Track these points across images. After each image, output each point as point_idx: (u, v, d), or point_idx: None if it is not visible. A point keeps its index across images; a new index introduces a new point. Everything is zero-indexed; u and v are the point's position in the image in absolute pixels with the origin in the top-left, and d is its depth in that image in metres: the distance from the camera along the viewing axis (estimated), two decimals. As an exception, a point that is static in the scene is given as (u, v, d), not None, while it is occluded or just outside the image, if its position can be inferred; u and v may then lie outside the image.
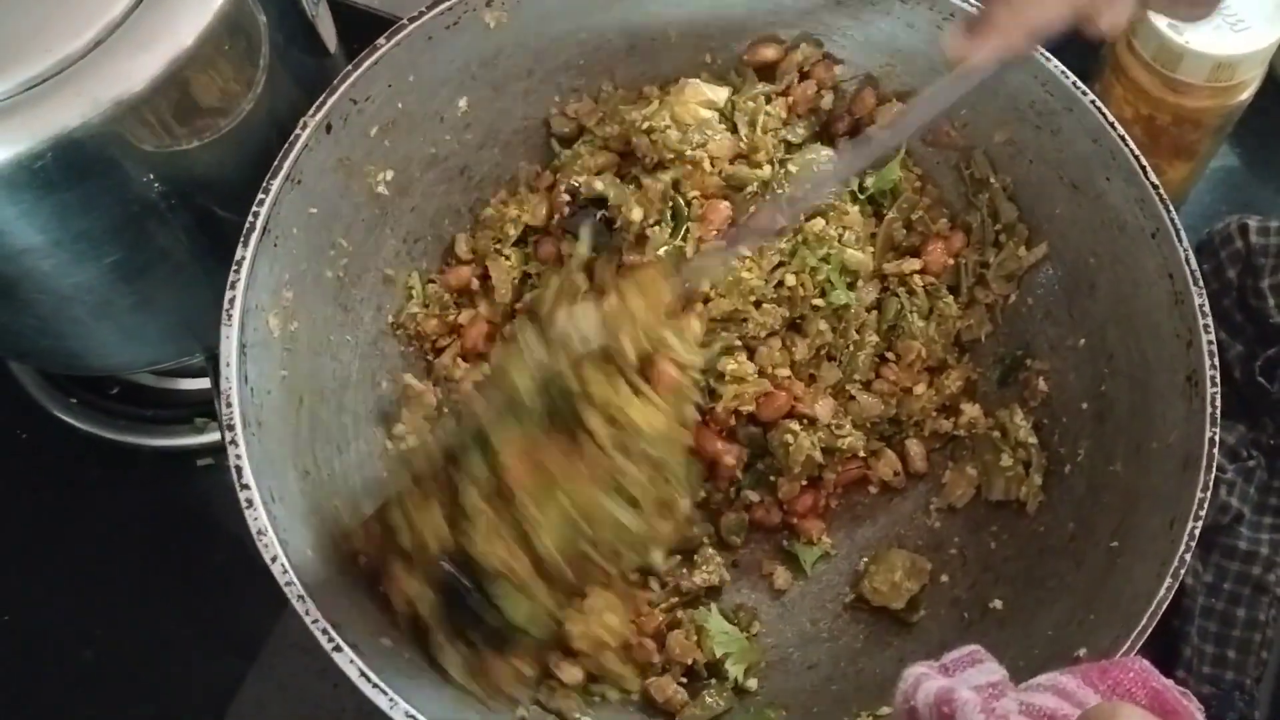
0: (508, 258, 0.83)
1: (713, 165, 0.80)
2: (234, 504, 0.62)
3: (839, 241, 0.79)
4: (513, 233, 0.83)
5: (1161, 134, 0.86)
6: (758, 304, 0.79)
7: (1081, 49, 0.72)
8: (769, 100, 0.83)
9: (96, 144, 0.65)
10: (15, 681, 0.83)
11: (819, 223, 0.79)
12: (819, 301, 0.80)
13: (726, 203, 0.79)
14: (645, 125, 0.80)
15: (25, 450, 0.91)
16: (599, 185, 0.81)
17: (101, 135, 0.65)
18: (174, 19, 0.66)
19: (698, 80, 0.83)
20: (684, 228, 0.78)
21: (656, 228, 0.78)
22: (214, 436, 0.88)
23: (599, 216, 0.81)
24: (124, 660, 0.83)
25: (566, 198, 0.82)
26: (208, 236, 0.74)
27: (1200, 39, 0.81)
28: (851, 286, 0.80)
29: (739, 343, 0.79)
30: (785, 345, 0.80)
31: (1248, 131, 0.93)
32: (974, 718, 0.49)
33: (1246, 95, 0.85)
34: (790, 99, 0.84)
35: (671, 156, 0.80)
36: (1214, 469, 0.66)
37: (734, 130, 0.82)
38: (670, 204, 0.79)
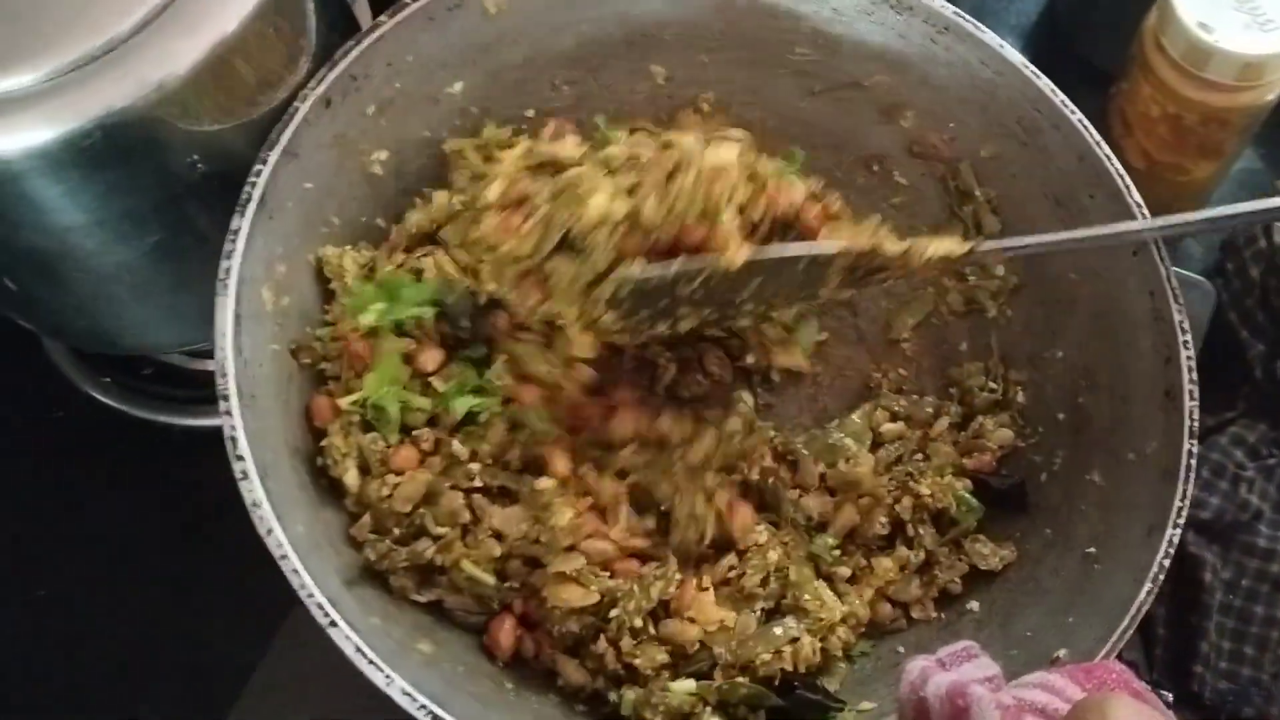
0: None
1: None
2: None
3: None
4: None
5: (1188, 133, 0.87)
6: None
7: (1107, 44, 0.72)
8: None
9: (143, 124, 0.65)
10: (47, 656, 0.84)
11: None
12: None
13: None
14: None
15: (60, 428, 0.92)
16: None
17: (148, 116, 0.65)
18: (220, 1, 0.67)
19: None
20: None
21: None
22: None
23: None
24: (153, 636, 0.84)
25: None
26: None
27: (1229, 38, 0.81)
28: None
29: None
30: None
31: (1272, 132, 0.93)
32: (990, 712, 0.50)
33: (1275, 95, 0.85)
34: None
35: None
36: (1192, 479, 0.68)
37: None
38: None
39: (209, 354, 0.88)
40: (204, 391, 0.89)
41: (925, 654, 0.57)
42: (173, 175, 0.69)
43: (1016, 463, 0.80)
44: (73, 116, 0.63)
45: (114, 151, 0.65)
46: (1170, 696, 0.76)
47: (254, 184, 0.69)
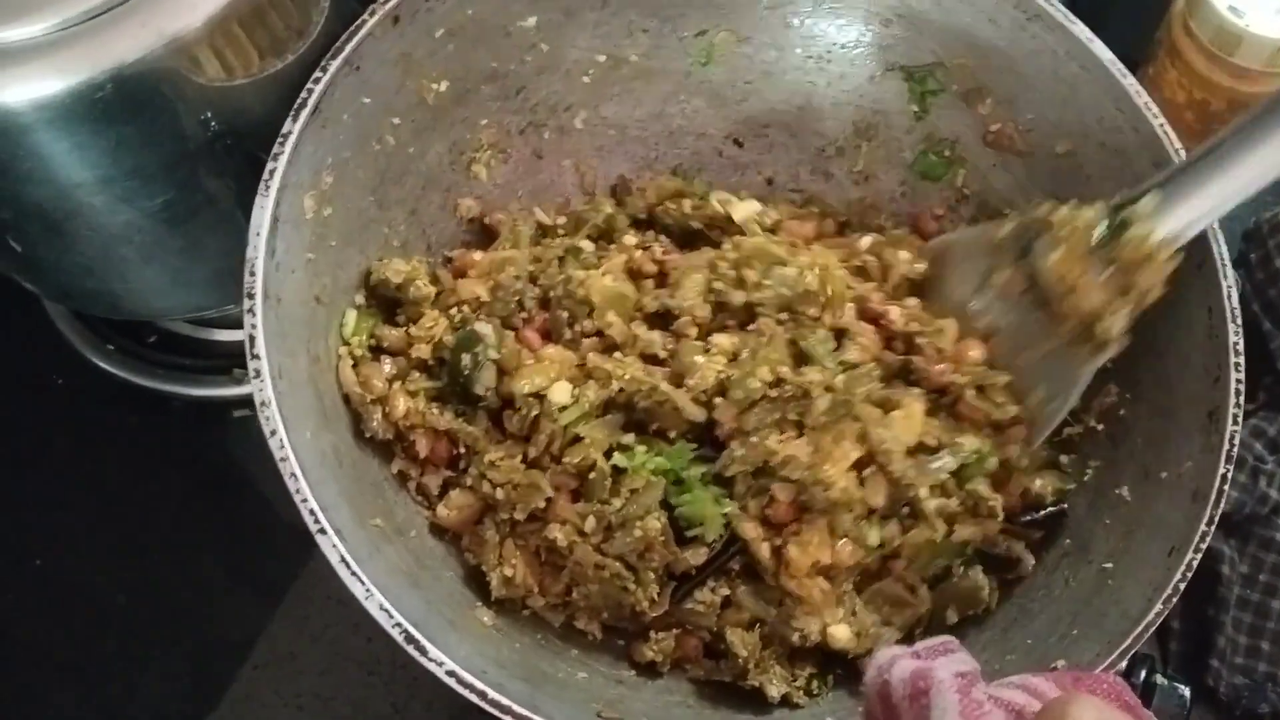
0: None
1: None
2: (267, 456, 0.61)
3: None
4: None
5: (1214, 119, 0.85)
6: None
7: (1133, 29, 0.70)
8: None
9: (156, 78, 0.64)
10: (48, 625, 0.83)
11: None
12: None
13: None
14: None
15: (61, 395, 0.91)
16: None
17: (161, 69, 0.64)
18: (238, -50, 0.65)
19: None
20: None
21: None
22: (250, 389, 0.88)
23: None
24: (155, 606, 0.83)
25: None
26: (256, 184, 0.72)
27: (1261, 22, 0.79)
28: None
29: None
30: None
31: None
32: (949, 696, 0.49)
33: (1305, 82, 0.82)
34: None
35: None
36: (1222, 504, 0.65)
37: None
38: None
39: (216, 323, 0.90)
40: (210, 361, 0.90)
41: (902, 646, 0.55)
42: (184, 133, 0.68)
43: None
44: (84, 68, 0.62)
45: (125, 106, 0.64)
46: (1188, 691, 0.73)
47: (311, 90, 0.69)
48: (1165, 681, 0.71)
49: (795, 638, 0.69)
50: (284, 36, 0.70)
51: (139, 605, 0.83)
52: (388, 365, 0.74)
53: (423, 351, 0.74)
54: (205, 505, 0.85)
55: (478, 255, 0.80)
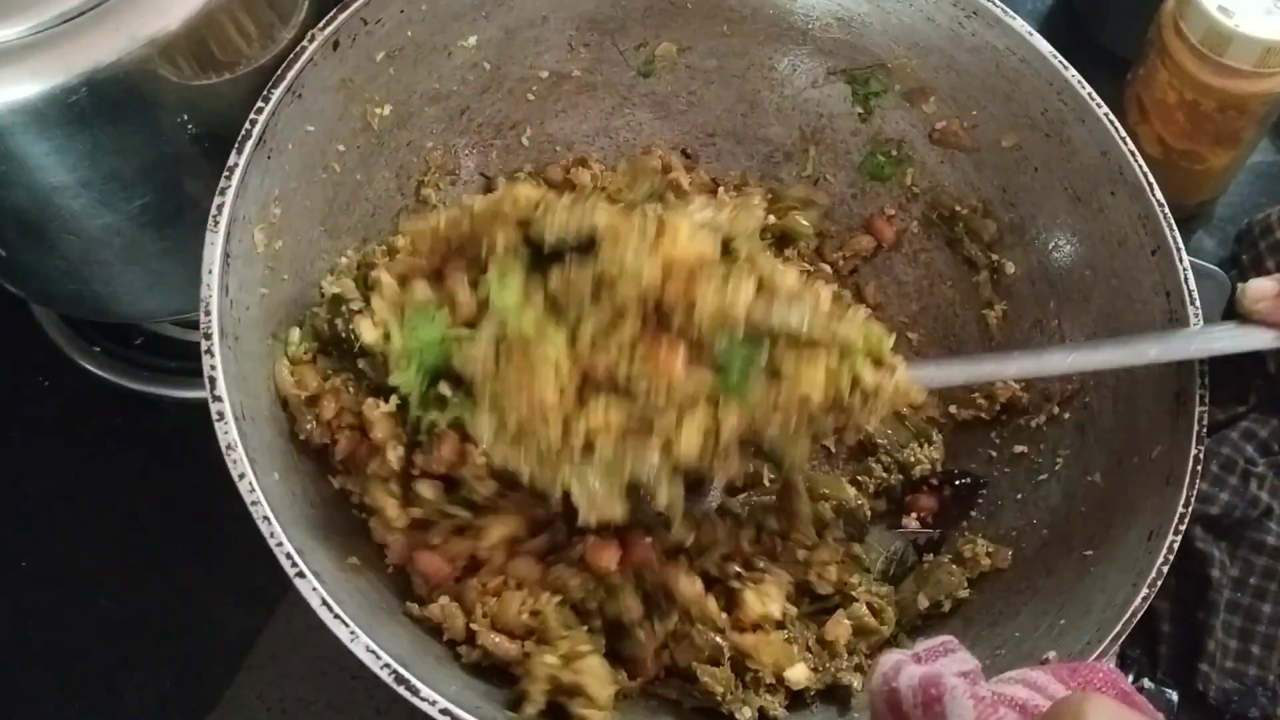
0: None
1: None
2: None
3: None
4: None
5: (1205, 120, 0.85)
6: None
7: (1124, 30, 0.70)
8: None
9: (132, 80, 0.63)
10: (33, 630, 0.81)
11: None
12: None
13: None
14: None
15: (47, 397, 0.89)
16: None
17: (137, 71, 0.63)
18: (214, -48, 0.64)
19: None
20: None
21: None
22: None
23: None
24: (141, 611, 0.81)
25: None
26: None
27: (1251, 22, 0.79)
28: None
29: None
30: None
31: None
32: (963, 701, 0.48)
33: (1296, 82, 0.83)
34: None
35: None
36: (1198, 485, 0.66)
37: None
38: None
39: None
40: (196, 363, 0.85)
41: (902, 649, 0.55)
42: (162, 135, 0.67)
43: (1017, 461, 0.78)
44: (58, 71, 0.61)
45: (101, 109, 0.63)
46: (1175, 696, 0.73)
47: (254, 121, 0.67)
48: (1153, 685, 0.71)
49: (748, 678, 0.68)
50: (262, 37, 0.69)
51: (124, 609, 0.81)
52: (321, 363, 0.71)
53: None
54: (191, 508, 0.83)
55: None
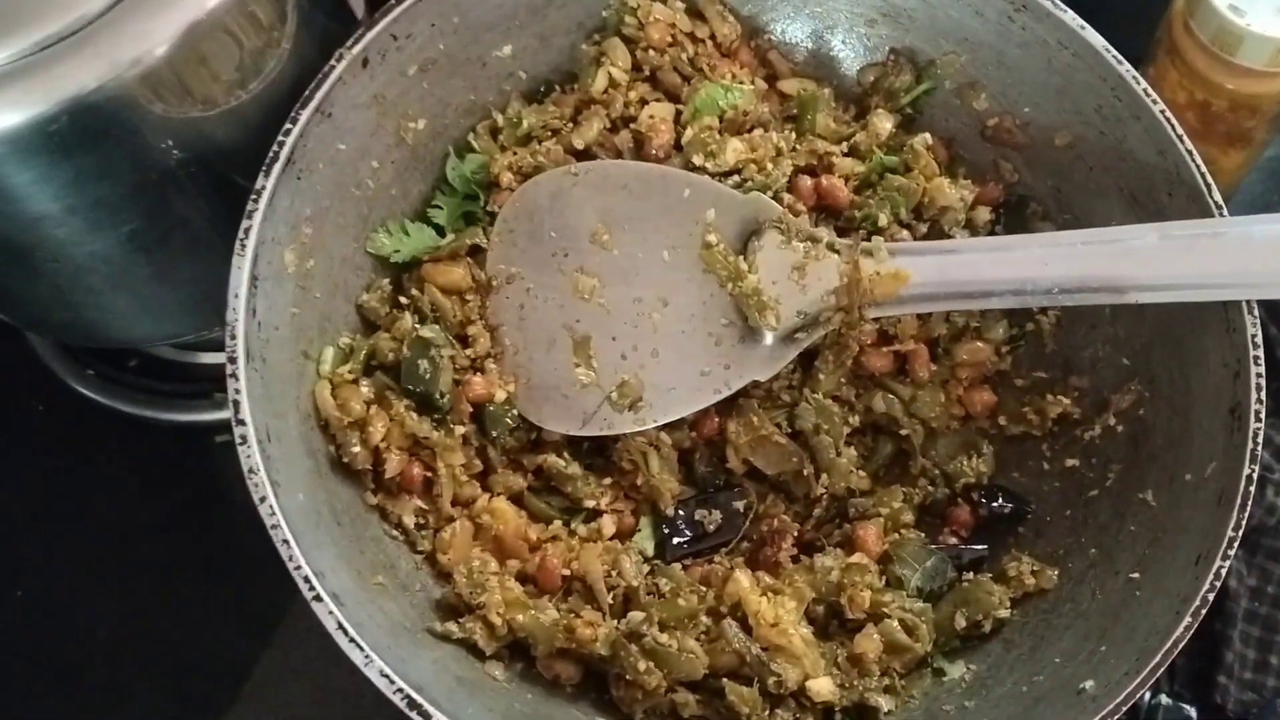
0: None
1: None
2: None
3: None
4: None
5: (1216, 120, 0.83)
6: None
7: (1134, 29, 0.68)
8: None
9: (113, 108, 0.63)
10: (27, 656, 0.82)
11: None
12: None
13: None
14: None
15: (41, 421, 0.90)
16: None
17: (119, 99, 0.62)
18: (197, -21, 0.64)
19: None
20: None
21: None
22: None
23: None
24: (137, 637, 0.82)
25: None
26: (228, 206, 0.70)
27: (1262, 21, 0.77)
28: None
29: None
30: None
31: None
32: None
33: (1308, 83, 0.80)
34: None
35: None
36: (1249, 508, 0.63)
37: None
38: None
39: (197, 347, 0.89)
40: (192, 386, 0.88)
41: None
42: (147, 162, 0.66)
43: (1068, 475, 0.75)
44: (39, 99, 0.60)
45: (84, 136, 0.62)
46: (1194, 712, 0.71)
47: (282, 143, 0.68)
48: (1170, 702, 0.68)
49: (771, 683, 0.66)
50: (248, 62, 0.69)
51: (122, 633, 0.82)
52: (365, 387, 0.71)
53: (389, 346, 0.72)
54: (187, 532, 0.84)
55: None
